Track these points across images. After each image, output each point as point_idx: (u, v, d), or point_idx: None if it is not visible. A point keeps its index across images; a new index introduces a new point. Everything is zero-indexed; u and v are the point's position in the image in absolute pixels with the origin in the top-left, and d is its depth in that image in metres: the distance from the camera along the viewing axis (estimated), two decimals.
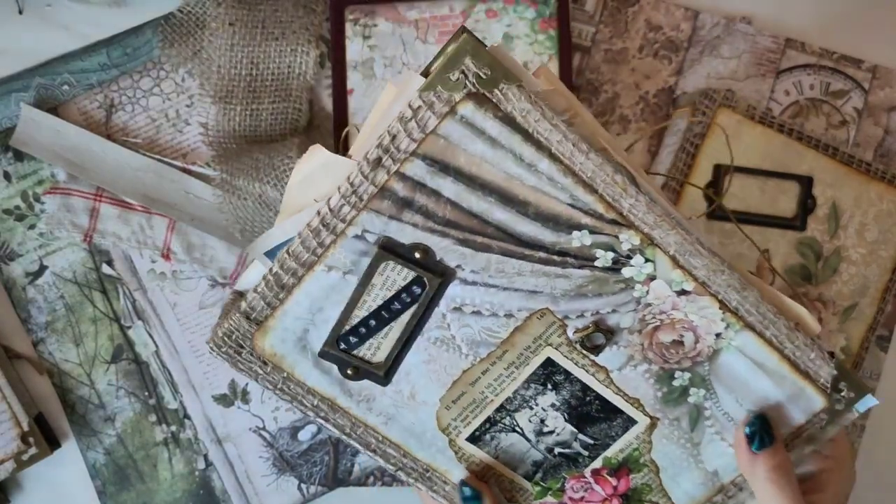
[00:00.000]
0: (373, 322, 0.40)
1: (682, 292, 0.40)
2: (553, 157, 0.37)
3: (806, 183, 0.59)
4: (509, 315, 0.40)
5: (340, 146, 0.60)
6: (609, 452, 0.44)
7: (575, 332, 0.41)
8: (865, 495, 0.61)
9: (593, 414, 0.43)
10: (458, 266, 0.39)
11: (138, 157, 0.59)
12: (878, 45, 0.62)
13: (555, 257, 0.39)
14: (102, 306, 0.60)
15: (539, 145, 0.37)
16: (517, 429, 0.43)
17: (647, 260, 0.39)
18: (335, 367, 0.41)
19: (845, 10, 0.62)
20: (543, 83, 0.38)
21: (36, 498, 0.60)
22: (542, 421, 0.43)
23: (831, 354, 0.42)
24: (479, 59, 0.36)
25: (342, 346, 0.41)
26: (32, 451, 0.57)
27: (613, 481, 0.44)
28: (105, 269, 0.60)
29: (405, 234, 0.39)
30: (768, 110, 0.60)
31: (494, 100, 0.36)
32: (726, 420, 0.43)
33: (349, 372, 0.41)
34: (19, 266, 0.59)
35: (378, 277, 0.39)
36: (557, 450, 0.44)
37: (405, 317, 0.40)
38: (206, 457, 0.60)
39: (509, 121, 0.37)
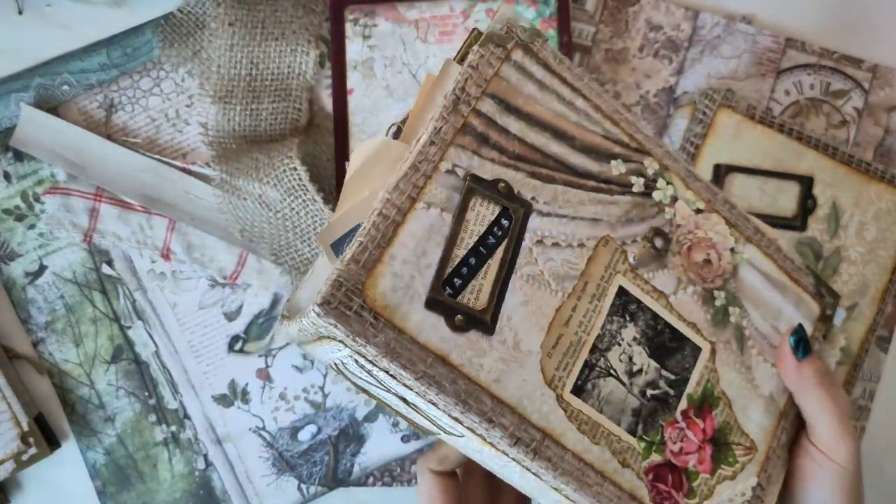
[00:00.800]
0: (472, 260, 0.41)
1: (698, 211, 0.46)
2: (585, 97, 0.43)
3: (806, 183, 0.59)
4: (581, 244, 0.43)
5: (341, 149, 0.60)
6: (689, 388, 0.45)
7: (633, 255, 0.44)
8: (866, 494, 0.61)
9: (667, 344, 0.45)
10: (533, 198, 0.42)
11: (138, 157, 0.59)
12: (878, 45, 0.62)
13: (602, 185, 0.44)
14: (102, 306, 0.60)
15: (573, 87, 0.43)
16: (612, 371, 0.43)
17: (668, 182, 0.45)
18: (442, 320, 0.40)
19: (845, 10, 0.62)
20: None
21: (36, 498, 0.60)
22: (631, 359, 0.44)
23: (807, 267, 0.49)
24: (516, 20, 0.42)
25: (448, 290, 0.40)
26: (32, 451, 0.57)
27: (701, 423, 0.46)
28: (105, 269, 0.60)
29: (485, 169, 0.41)
30: (768, 110, 0.60)
31: (534, 49, 0.42)
32: (762, 339, 0.47)
33: (456, 321, 0.40)
34: (19, 266, 0.59)
35: (470, 213, 0.41)
36: (649, 391, 0.44)
37: (499, 253, 0.41)
38: (206, 457, 0.60)
39: (548, 67, 0.43)
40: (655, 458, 0.44)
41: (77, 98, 0.59)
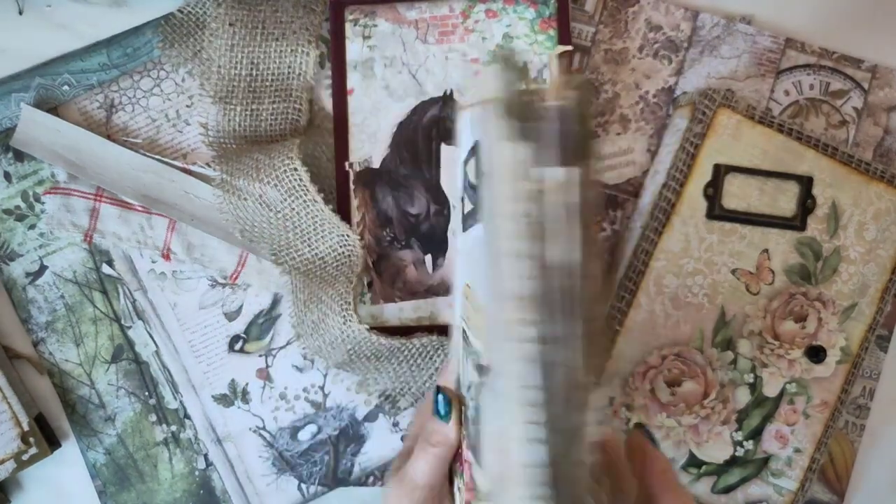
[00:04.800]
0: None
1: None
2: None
3: (806, 183, 0.59)
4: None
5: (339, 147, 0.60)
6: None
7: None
8: (866, 494, 0.61)
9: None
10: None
11: (138, 158, 0.59)
12: (878, 45, 0.62)
13: None
14: (103, 306, 0.60)
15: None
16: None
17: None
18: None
19: (845, 10, 0.62)
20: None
21: (36, 498, 0.60)
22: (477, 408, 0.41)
23: None
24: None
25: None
26: (33, 450, 0.57)
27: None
28: (105, 269, 0.60)
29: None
30: (768, 110, 0.60)
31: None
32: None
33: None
34: (20, 266, 0.59)
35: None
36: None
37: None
38: (206, 457, 0.60)
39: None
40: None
41: (77, 98, 0.59)
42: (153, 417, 0.60)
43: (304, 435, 0.61)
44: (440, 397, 0.44)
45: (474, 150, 0.36)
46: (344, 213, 0.59)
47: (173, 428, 0.60)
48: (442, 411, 0.44)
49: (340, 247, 0.58)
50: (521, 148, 0.31)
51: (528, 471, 0.31)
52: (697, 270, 0.58)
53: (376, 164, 0.60)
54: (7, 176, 0.59)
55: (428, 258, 0.60)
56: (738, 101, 0.59)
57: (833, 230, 0.59)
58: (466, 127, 0.37)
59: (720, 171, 0.59)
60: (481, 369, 0.36)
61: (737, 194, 0.59)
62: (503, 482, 0.34)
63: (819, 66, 0.62)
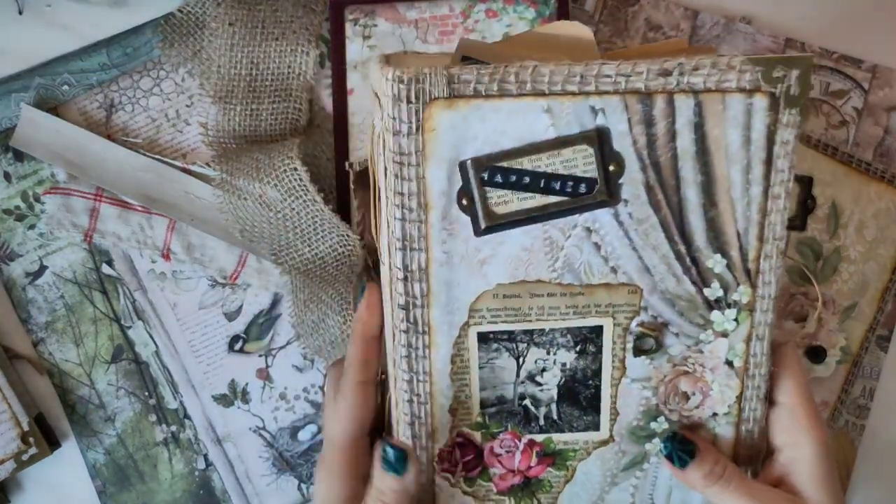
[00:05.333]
0: (526, 179, 0.39)
1: (729, 363, 0.42)
2: (765, 192, 0.39)
3: (805, 183, 0.59)
4: (614, 270, 0.41)
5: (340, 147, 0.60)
6: (557, 436, 0.44)
7: (640, 324, 0.42)
8: (866, 494, 0.61)
9: (580, 398, 0.43)
10: (626, 201, 0.40)
11: (138, 157, 0.59)
12: (878, 45, 0.62)
13: (687, 259, 0.40)
14: (102, 306, 0.60)
15: (767, 174, 0.39)
16: (521, 359, 0.43)
17: (735, 319, 0.41)
18: (458, 186, 0.39)
19: (845, 10, 0.62)
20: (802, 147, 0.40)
21: (36, 498, 0.60)
22: (543, 370, 0.43)
23: None
24: (802, 80, 0.38)
25: (485, 174, 0.39)
26: (32, 451, 0.57)
27: (534, 461, 0.44)
28: (105, 269, 0.60)
29: (622, 142, 0.39)
30: None
31: (780, 115, 0.38)
32: (650, 483, 0.44)
33: (464, 200, 0.40)
34: (19, 266, 0.59)
35: (569, 151, 0.39)
36: (527, 401, 0.43)
37: (551, 199, 0.40)
38: (206, 457, 0.60)
39: (771, 139, 0.38)
40: (477, 437, 0.44)
41: (77, 98, 0.59)
42: (153, 417, 0.60)
43: (305, 435, 0.61)
44: (390, 451, 0.42)
45: None
46: (344, 213, 0.59)
47: (173, 428, 0.60)
48: (396, 466, 0.42)
49: (340, 247, 0.58)
50: None
51: None
52: None
53: None
54: (7, 176, 0.59)
55: None
56: None
57: (833, 230, 0.59)
58: None
59: None
60: None
61: None
62: None
63: (819, 66, 0.62)
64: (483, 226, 0.40)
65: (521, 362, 0.43)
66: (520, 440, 0.44)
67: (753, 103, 0.38)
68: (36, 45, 0.59)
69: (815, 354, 0.59)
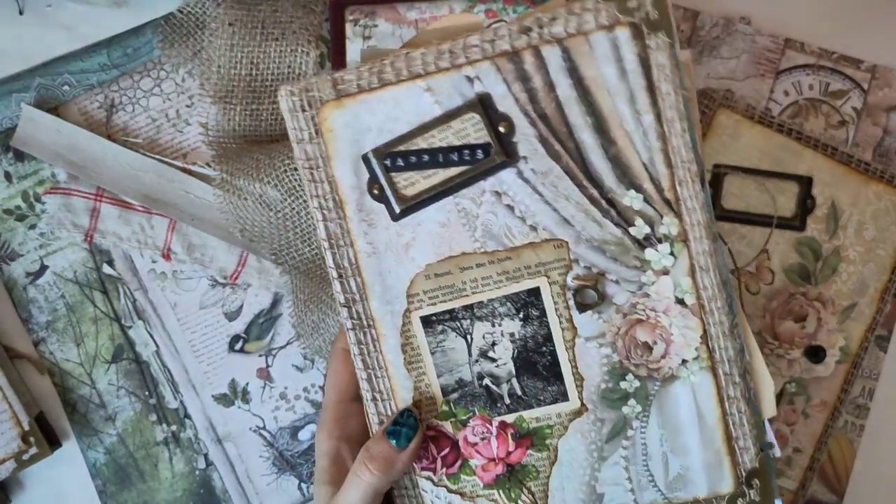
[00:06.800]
0: (426, 157, 0.41)
1: (681, 302, 0.41)
2: (658, 117, 0.39)
3: (805, 183, 0.59)
4: (533, 228, 0.41)
5: None
6: (527, 413, 0.43)
7: (575, 277, 0.42)
8: (866, 494, 0.62)
9: (538, 368, 0.43)
10: (525, 158, 0.41)
11: (139, 158, 0.59)
12: (878, 45, 0.62)
13: (603, 202, 0.41)
14: (103, 306, 0.60)
15: (654, 101, 0.39)
16: (468, 337, 0.43)
17: (671, 253, 0.41)
18: (366, 177, 0.41)
19: (845, 10, 0.62)
20: (686, 57, 0.41)
21: (37, 497, 0.60)
22: (493, 345, 0.43)
23: (770, 445, 0.42)
24: (658, 3, 0.39)
25: (387, 161, 0.41)
26: (33, 450, 0.58)
27: (511, 445, 0.44)
28: (106, 268, 0.60)
29: (504, 103, 0.40)
30: (767, 110, 0.60)
31: (647, 41, 0.39)
32: (641, 452, 0.43)
33: (374, 190, 0.42)
34: (20, 266, 0.59)
35: (458, 122, 0.40)
36: (486, 381, 0.43)
37: (453, 171, 0.41)
38: (206, 456, 0.61)
39: (646, 65, 0.39)
40: (448, 427, 0.44)
41: (77, 98, 0.59)
42: (153, 417, 0.60)
43: (305, 434, 0.61)
44: (408, 416, 0.42)
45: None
46: None
47: (173, 427, 0.60)
48: (402, 437, 0.42)
49: None
50: None
51: None
52: None
53: None
54: (7, 176, 0.59)
55: None
56: (737, 102, 0.59)
57: (832, 230, 0.59)
58: None
59: (720, 172, 0.59)
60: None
61: (736, 194, 0.59)
62: None
63: (818, 67, 0.62)
64: (397, 210, 0.42)
65: (469, 340, 0.43)
66: (491, 424, 0.43)
67: (617, 36, 0.39)
68: (36, 46, 0.59)
69: (815, 354, 0.59)
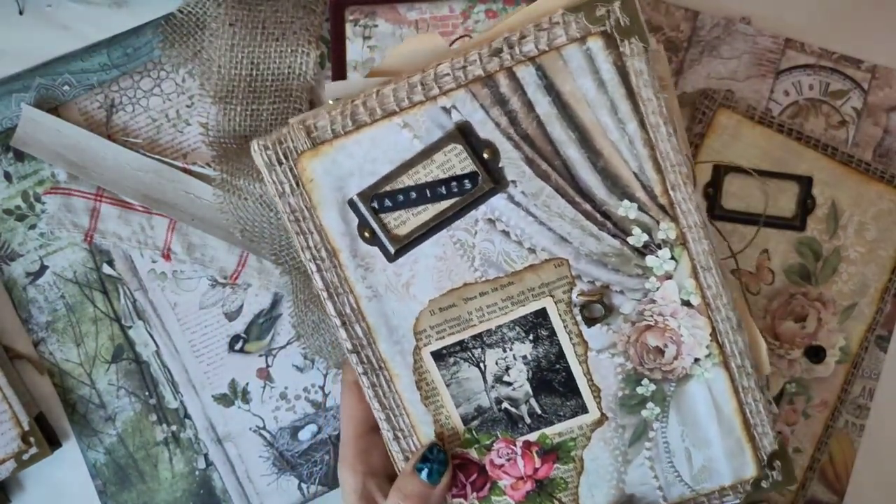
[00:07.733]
0: (413, 195, 0.40)
1: (687, 304, 0.41)
2: (642, 124, 0.39)
3: (805, 183, 0.59)
4: (532, 250, 0.41)
5: None
6: (549, 430, 0.43)
7: (580, 293, 0.41)
8: (866, 494, 0.62)
9: (554, 385, 0.43)
10: (514, 182, 0.40)
11: (139, 158, 0.59)
12: (878, 45, 0.62)
13: (597, 215, 0.40)
14: (103, 306, 0.60)
15: (636, 107, 0.39)
16: (481, 365, 0.43)
17: (672, 257, 0.41)
18: (355, 222, 0.41)
19: (845, 10, 0.62)
20: (653, 44, 0.40)
21: (36, 497, 0.60)
22: (507, 369, 0.43)
23: (778, 433, 0.43)
24: (626, 8, 0.38)
25: (374, 203, 0.40)
26: (33, 450, 0.57)
27: (537, 462, 0.44)
28: (106, 269, 0.60)
29: (485, 128, 0.40)
30: (768, 110, 0.60)
31: (621, 49, 0.38)
32: (664, 450, 0.43)
33: (366, 234, 0.41)
34: (20, 266, 0.59)
35: (440, 155, 0.40)
36: (505, 404, 0.43)
37: (443, 204, 0.40)
38: (206, 456, 0.61)
39: (623, 73, 0.39)
40: (473, 453, 0.44)
41: (78, 98, 0.59)
42: (153, 417, 0.60)
43: (305, 435, 0.61)
44: (437, 452, 0.42)
45: None
46: None
47: (173, 428, 0.60)
48: (434, 473, 0.42)
49: None
50: None
51: None
52: None
53: None
54: (7, 176, 0.59)
55: None
56: (737, 102, 0.59)
57: (833, 230, 0.59)
58: None
59: (720, 172, 0.59)
60: None
61: (737, 194, 0.59)
62: None
63: (819, 67, 0.62)
64: (392, 251, 0.41)
65: (482, 368, 0.43)
66: (515, 444, 0.44)
67: (590, 48, 0.38)
68: (36, 46, 0.59)
69: (815, 354, 0.59)
